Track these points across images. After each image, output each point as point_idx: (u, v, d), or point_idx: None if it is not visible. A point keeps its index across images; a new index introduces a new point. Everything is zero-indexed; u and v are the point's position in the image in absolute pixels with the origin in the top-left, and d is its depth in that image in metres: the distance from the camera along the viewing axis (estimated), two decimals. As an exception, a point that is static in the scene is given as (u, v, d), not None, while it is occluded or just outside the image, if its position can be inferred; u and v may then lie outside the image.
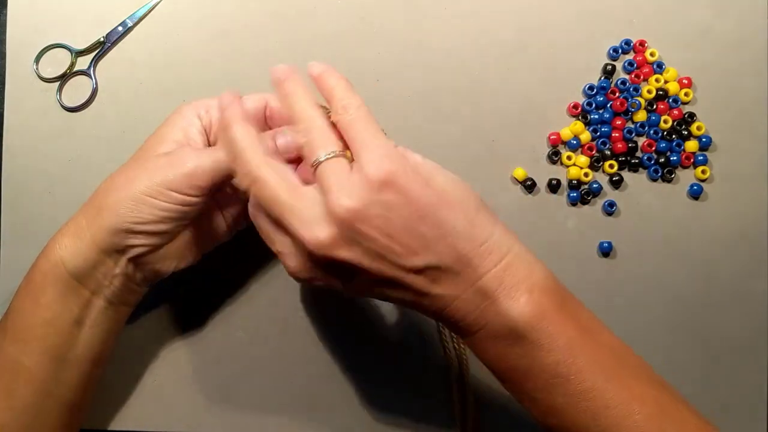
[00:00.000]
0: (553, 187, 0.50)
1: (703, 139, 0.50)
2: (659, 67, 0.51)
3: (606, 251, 0.50)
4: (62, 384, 0.41)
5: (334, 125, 0.36)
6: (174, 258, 0.42)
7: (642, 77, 0.51)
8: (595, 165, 0.50)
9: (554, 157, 0.50)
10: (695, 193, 0.50)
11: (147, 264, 0.41)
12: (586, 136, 0.50)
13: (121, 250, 0.40)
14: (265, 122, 0.42)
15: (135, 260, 0.40)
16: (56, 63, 0.50)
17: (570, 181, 0.50)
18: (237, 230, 0.45)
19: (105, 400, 0.48)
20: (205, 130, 0.41)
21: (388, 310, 0.50)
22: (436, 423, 0.49)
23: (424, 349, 0.50)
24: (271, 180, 0.35)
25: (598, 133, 0.50)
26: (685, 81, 0.51)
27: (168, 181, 0.38)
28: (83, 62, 0.50)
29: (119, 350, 0.47)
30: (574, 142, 0.50)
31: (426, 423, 0.49)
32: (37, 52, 0.50)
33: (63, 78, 0.50)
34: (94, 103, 0.50)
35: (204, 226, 0.43)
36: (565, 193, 0.50)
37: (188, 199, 0.39)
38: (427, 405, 0.49)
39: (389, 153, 0.34)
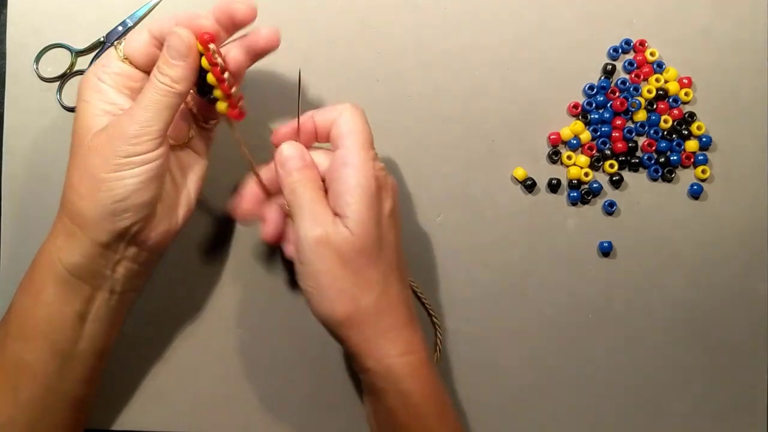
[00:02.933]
0: (554, 186, 0.50)
1: (703, 139, 0.50)
2: (659, 66, 0.51)
3: (606, 251, 0.50)
4: (67, 379, 0.41)
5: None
6: (168, 223, 0.42)
7: (642, 77, 0.51)
8: (595, 165, 0.50)
9: (554, 156, 0.50)
10: (695, 193, 0.50)
11: (146, 240, 0.41)
12: (586, 135, 0.50)
13: (117, 236, 0.39)
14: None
15: (134, 241, 0.40)
16: (56, 63, 0.50)
17: (570, 181, 0.50)
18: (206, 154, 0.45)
19: (105, 400, 0.48)
20: (115, 84, 0.41)
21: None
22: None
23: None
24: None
25: (598, 133, 0.50)
26: (685, 81, 0.51)
27: (119, 150, 0.38)
28: (83, 62, 0.50)
29: (119, 350, 0.47)
30: (575, 141, 0.50)
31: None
32: (37, 52, 0.50)
33: (63, 78, 0.50)
34: (94, 103, 0.50)
35: (176, 177, 0.43)
36: (566, 193, 0.50)
37: (148, 155, 0.39)
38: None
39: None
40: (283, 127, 0.44)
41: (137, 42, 0.41)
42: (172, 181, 0.42)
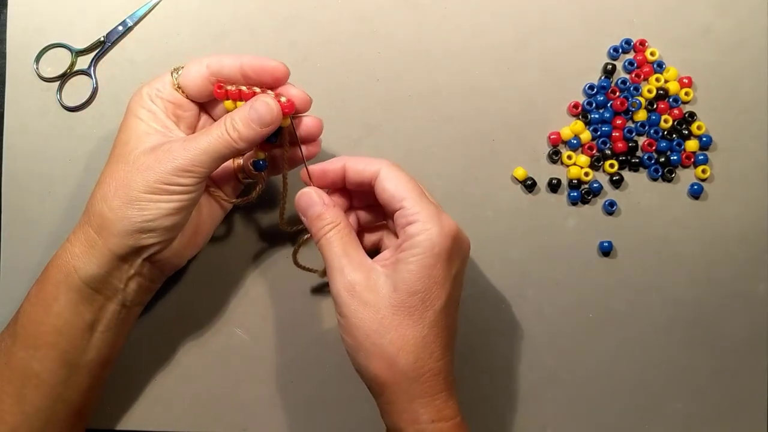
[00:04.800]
0: (554, 186, 0.50)
1: (704, 139, 0.50)
2: (659, 66, 0.51)
3: (606, 251, 0.50)
4: (73, 388, 0.41)
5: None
6: (186, 247, 0.43)
7: (642, 76, 0.51)
8: (595, 164, 0.50)
9: (554, 156, 0.50)
10: (695, 193, 0.50)
11: (162, 260, 0.41)
12: (586, 135, 0.50)
13: (136, 252, 0.40)
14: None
15: (150, 259, 0.41)
16: (56, 63, 0.50)
17: (570, 181, 0.50)
18: (233, 204, 0.46)
19: (106, 400, 0.48)
20: (165, 109, 0.42)
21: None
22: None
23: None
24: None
25: (599, 133, 0.50)
26: (686, 80, 0.51)
27: (163, 177, 0.38)
28: (83, 62, 0.50)
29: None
30: (575, 141, 0.50)
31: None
32: (37, 52, 0.50)
33: (63, 78, 0.50)
34: (94, 103, 0.50)
35: (204, 208, 0.44)
36: (566, 193, 0.50)
37: (188, 188, 0.39)
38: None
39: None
40: (309, 168, 0.42)
41: (194, 74, 0.41)
42: (198, 215, 0.43)
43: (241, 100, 0.41)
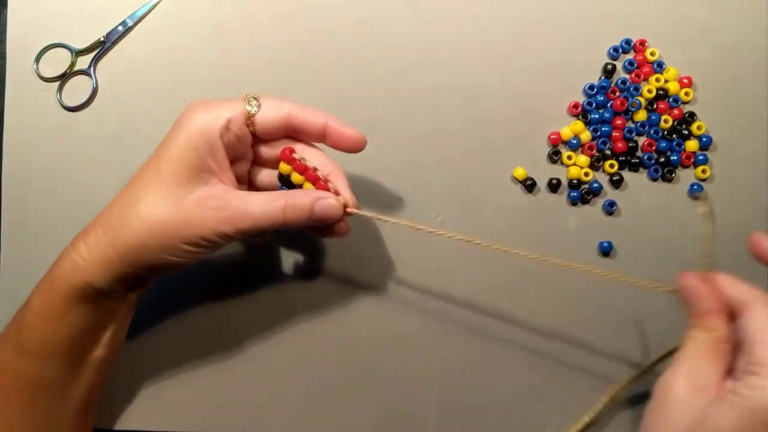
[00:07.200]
0: (554, 186, 0.50)
1: (704, 139, 0.50)
2: (659, 66, 0.51)
3: (606, 251, 0.50)
4: (81, 385, 0.42)
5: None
6: None
7: (642, 77, 0.51)
8: (595, 164, 0.50)
9: (554, 156, 0.50)
10: (695, 193, 0.50)
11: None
12: (586, 135, 0.50)
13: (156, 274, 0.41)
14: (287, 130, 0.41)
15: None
16: (56, 63, 0.50)
17: (570, 181, 0.50)
18: None
19: (106, 400, 0.48)
20: (228, 145, 0.39)
21: (389, 310, 0.50)
22: (434, 421, 0.49)
23: (422, 349, 0.50)
24: None
25: (599, 133, 0.50)
26: (686, 80, 0.51)
27: (208, 236, 0.38)
28: (83, 62, 0.50)
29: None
30: (575, 141, 0.50)
31: (425, 421, 0.49)
32: (37, 52, 0.50)
33: (63, 78, 0.50)
34: (94, 103, 0.50)
35: None
36: (566, 193, 0.50)
37: (224, 244, 0.39)
38: (425, 403, 0.49)
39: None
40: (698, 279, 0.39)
41: (275, 116, 0.40)
42: None
43: (301, 174, 0.41)
